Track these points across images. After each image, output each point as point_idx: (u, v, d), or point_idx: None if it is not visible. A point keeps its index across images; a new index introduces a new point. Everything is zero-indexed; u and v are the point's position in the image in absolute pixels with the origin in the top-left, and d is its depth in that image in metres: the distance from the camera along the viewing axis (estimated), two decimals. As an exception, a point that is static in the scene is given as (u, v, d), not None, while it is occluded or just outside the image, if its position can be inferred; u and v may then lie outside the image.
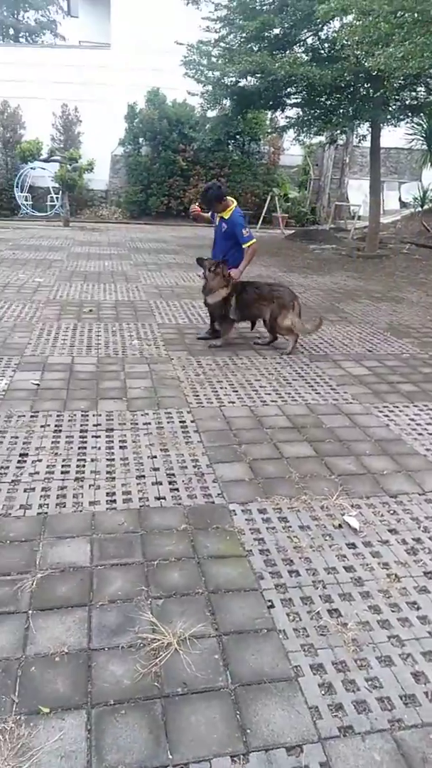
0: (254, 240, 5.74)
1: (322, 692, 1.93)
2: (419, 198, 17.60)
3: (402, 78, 11.29)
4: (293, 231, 16.96)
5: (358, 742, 1.77)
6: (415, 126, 15.72)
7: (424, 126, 15.72)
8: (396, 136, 16.46)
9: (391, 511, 3.03)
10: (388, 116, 12.63)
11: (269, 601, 2.34)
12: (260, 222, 17.84)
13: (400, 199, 21.19)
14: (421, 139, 16.38)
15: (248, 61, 10.10)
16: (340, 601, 2.36)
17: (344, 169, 20.15)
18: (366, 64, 7.91)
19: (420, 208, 17.72)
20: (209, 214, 5.98)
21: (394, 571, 2.56)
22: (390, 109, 12.58)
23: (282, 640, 2.14)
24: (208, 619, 2.20)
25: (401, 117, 13.23)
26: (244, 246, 5.72)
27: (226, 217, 5.69)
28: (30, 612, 2.19)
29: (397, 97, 12.68)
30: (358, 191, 19.53)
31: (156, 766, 1.66)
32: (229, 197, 5.76)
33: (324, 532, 2.82)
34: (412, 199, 18.64)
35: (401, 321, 7.26)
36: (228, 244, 5.82)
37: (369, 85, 11.17)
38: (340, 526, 2.89)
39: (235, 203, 5.78)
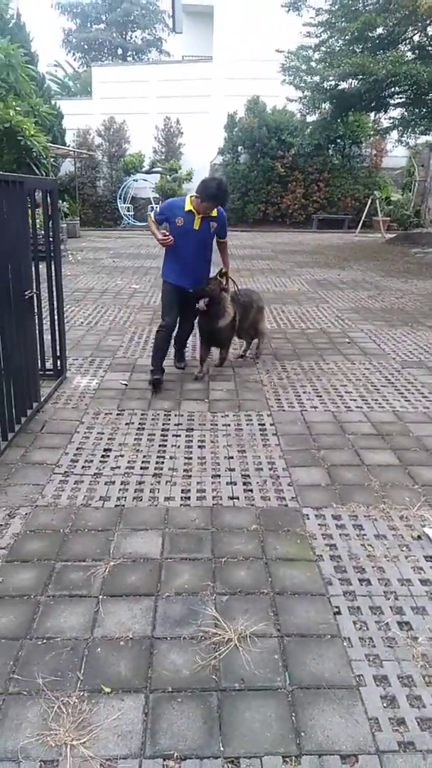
0: None
1: (384, 704, 1.86)
2: None
3: None
4: (395, 235, 16.41)
5: (419, 759, 1.69)
6: None
7: None
8: None
9: None
10: None
11: (336, 607, 2.29)
12: (359, 226, 17.43)
13: None
14: None
15: (349, 63, 9.95)
16: (412, 614, 2.26)
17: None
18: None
19: None
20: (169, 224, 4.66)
21: (475, 588, 2.41)
22: None
23: (346, 648, 2.08)
24: (271, 619, 2.20)
25: None
26: (222, 240, 4.90)
27: (214, 214, 4.59)
28: (100, 597, 2.29)
29: None
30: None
31: (207, 755, 1.68)
32: None
33: (401, 543, 2.71)
34: None
35: None
36: (208, 253, 4.77)
37: None
38: (419, 537, 2.76)
39: None
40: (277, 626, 2.17)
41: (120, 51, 29.61)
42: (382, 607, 2.29)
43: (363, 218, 17.45)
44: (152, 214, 4.85)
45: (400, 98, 12.60)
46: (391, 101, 12.85)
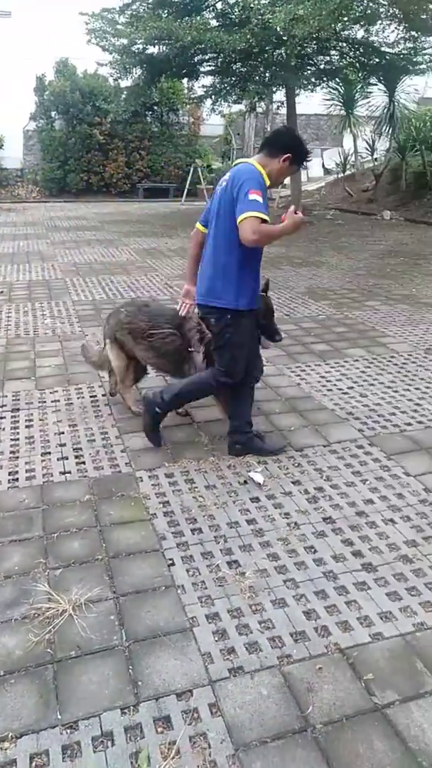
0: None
1: (216, 639, 1.98)
2: (340, 164, 17.82)
3: (314, 41, 11.32)
4: (218, 202, 16.84)
5: (247, 680, 1.83)
6: (332, 91, 15.81)
7: (341, 91, 15.83)
8: (315, 102, 16.53)
9: (296, 464, 3.11)
10: (304, 81, 12.63)
11: (170, 559, 2.36)
12: (185, 194, 17.63)
13: (323, 166, 21.41)
14: (339, 104, 16.50)
15: (154, 27, 9.83)
16: (240, 553, 2.41)
17: (266, 138, 20.12)
18: (268, 20, 7.81)
19: (342, 174, 17.96)
20: None
21: (294, 519, 2.64)
22: (304, 74, 12.59)
23: (180, 595, 2.17)
24: (107, 583, 2.21)
25: (316, 82, 13.27)
26: None
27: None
28: None
29: (311, 61, 12.70)
30: (281, 159, 19.59)
31: (44, 727, 1.67)
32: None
33: (229, 490, 2.87)
34: (335, 165, 18.86)
35: (320, 285, 7.39)
36: None
37: (282, 50, 11.11)
38: (245, 482, 2.94)
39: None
40: (113, 588, 2.19)
41: None
42: (213, 551, 2.41)
43: (187, 186, 17.66)
44: (262, 215, 2.65)
45: (210, 66, 12.80)
46: (201, 69, 13.01)
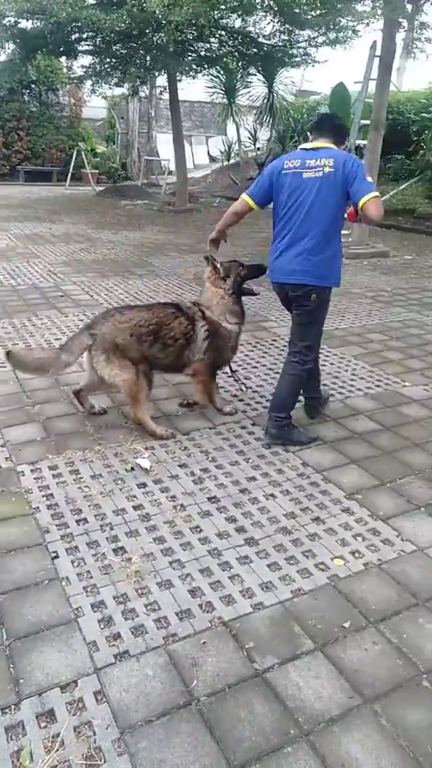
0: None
1: (102, 626, 1.97)
2: (225, 152, 18.06)
3: (193, 28, 11.32)
4: (104, 187, 16.47)
5: (133, 663, 1.84)
6: (213, 79, 15.93)
7: (222, 79, 15.99)
8: (198, 89, 16.58)
9: (183, 448, 3.15)
10: (185, 67, 12.61)
11: (54, 552, 2.31)
12: (69, 179, 17.02)
13: (208, 153, 21.58)
14: (221, 92, 16.67)
15: (26, 0, 9.32)
16: (126, 539, 2.41)
17: (151, 123, 19.89)
18: (144, 2, 7.70)
19: (227, 162, 18.21)
20: None
21: (180, 501, 2.67)
22: (185, 60, 12.56)
23: (64, 587, 2.13)
24: (-16, 583, 2.12)
25: (197, 69, 13.28)
26: None
27: None
28: None
29: (191, 48, 12.69)
30: (167, 145, 19.43)
31: None
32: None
33: (116, 477, 2.84)
34: (219, 153, 19.08)
35: (206, 270, 7.47)
36: None
37: (162, 34, 11.00)
38: (132, 469, 2.93)
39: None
40: (-8, 587, 2.10)
41: None
42: (99, 540, 2.39)
43: (71, 170, 17.06)
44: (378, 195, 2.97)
45: (88, 45, 12.39)
46: (80, 48, 12.55)
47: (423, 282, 7.28)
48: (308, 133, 3.18)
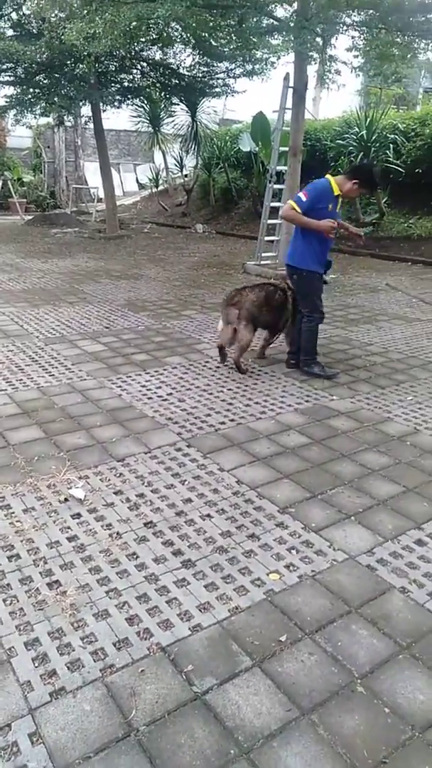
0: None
1: (36, 664, 1.91)
2: (153, 179, 18.29)
3: (114, 60, 11.50)
4: (33, 216, 16.28)
5: (69, 699, 1.79)
6: (138, 108, 16.18)
7: (146, 109, 16.26)
8: (123, 118, 16.76)
9: (118, 474, 3.13)
10: (108, 98, 12.75)
11: (-16, 593, 2.23)
12: (-5, 209, 16.73)
13: (137, 181, 21.78)
14: (146, 121, 16.94)
15: None
16: (60, 572, 2.35)
17: (78, 152, 19.91)
18: (62, 35, 7.78)
19: (155, 189, 18.44)
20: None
21: (116, 529, 2.65)
22: (108, 90, 12.71)
23: (-5, 628, 2.06)
24: None
25: (120, 99, 13.46)
26: None
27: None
28: None
29: (113, 79, 12.85)
30: (95, 174, 19.49)
31: None
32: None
33: (49, 510, 2.78)
34: (148, 180, 19.30)
35: (139, 296, 7.50)
36: None
37: (83, 65, 11.10)
38: (66, 500, 2.88)
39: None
40: None
41: None
42: (32, 575, 2.32)
43: (-2, 200, 16.80)
44: (294, 204, 4.41)
45: (9, 76, 12.33)
46: (0, 78, 12.47)
47: (347, 299, 7.58)
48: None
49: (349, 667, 1.92)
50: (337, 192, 4.38)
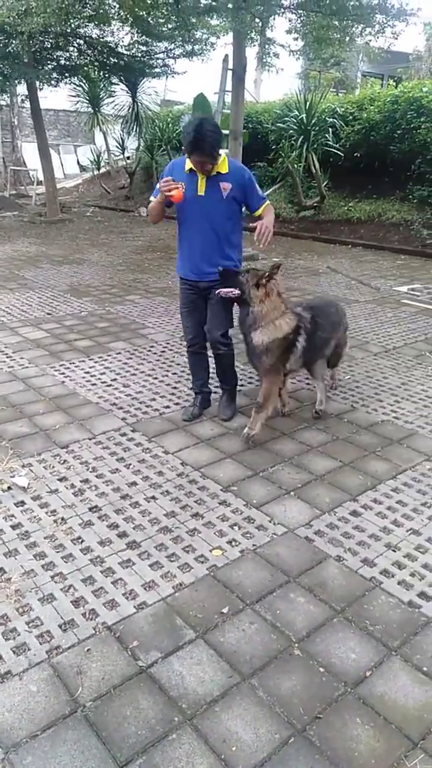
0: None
1: (-20, 653, 1.93)
2: (94, 161, 17.88)
3: (50, 37, 11.11)
4: (-32, 200, 15.66)
5: (15, 682, 1.82)
6: (77, 87, 15.73)
7: (85, 88, 15.84)
8: (62, 97, 16.27)
9: (62, 461, 3.12)
10: (45, 76, 12.34)
11: None
12: None
13: (78, 163, 21.25)
14: (86, 101, 16.50)
15: None
16: (4, 560, 2.36)
17: (15, 132, 19.22)
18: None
19: (97, 171, 18.05)
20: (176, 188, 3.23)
21: (60, 515, 2.66)
22: (44, 68, 12.30)
23: None
24: None
25: (57, 77, 13.05)
26: (261, 207, 3.41)
27: (225, 171, 3.29)
28: None
29: (49, 56, 12.44)
30: (34, 155, 18.85)
31: None
32: None
33: (-9, 499, 2.77)
34: (89, 162, 18.85)
35: (82, 281, 7.39)
36: (229, 224, 3.41)
37: (16, 41, 10.68)
38: (9, 488, 2.86)
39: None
40: None
41: None
42: (-25, 566, 2.32)
43: None
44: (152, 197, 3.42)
45: None
46: None
47: (289, 282, 7.71)
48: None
49: (287, 633, 2.02)
50: (188, 166, 3.28)
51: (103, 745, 1.63)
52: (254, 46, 9.11)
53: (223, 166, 3.27)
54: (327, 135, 11.00)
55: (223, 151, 3.46)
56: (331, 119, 11.19)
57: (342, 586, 2.24)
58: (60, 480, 2.95)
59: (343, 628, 2.05)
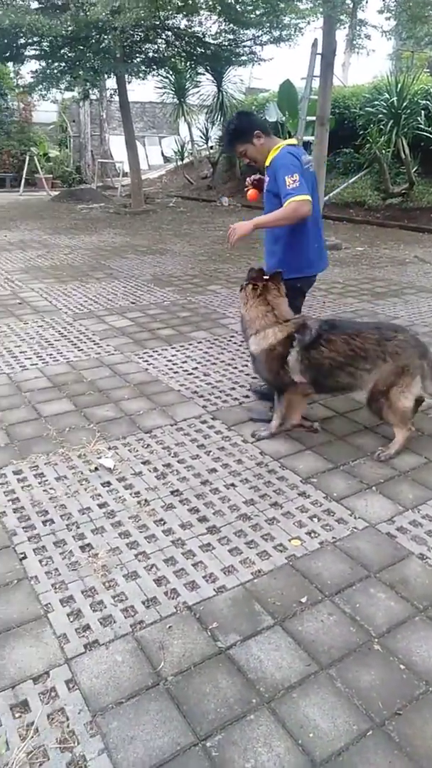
0: (303, 197, 3.07)
1: (71, 619, 2.05)
2: (178, 152, 18.12)
3: (140, 30, 11.34)
4: (59, 192, 16.36)
5: (102, 651, 1.93)
6: (163, 79, 15.98)
7: (171, 80, 16.06)
8: (148, 89, 16.59)
9: (146, 445, 3.24)
10: (134, 69, 12.62)
11: (22, 553, 2.37)
12: (23, 184, 16.85)
13: (162, 154, 21.61)
14: (171, 92, 16.73)
15: (-33, 7, 9.21)
16: (92, 536, 2.48)
17: (103, 125, 19.82)
18: (87, 10, 7.73)
19: (181, 162, 18.28)
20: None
21: (144, 497, 2.76)
22: (133, 61, 12.58)
23: (33, 585, 2.20)
24: None
25: (146, 70, 13.30)
26: (285, 203, 3.13)
27: (267, 164, 3.32)
28: None
29: (138, 50, 12.71)
30: (120, 147, 19.37)
31: None
32: (271, 134, 3.42)
33: (80, 478, 2.91)
34: (173, 153, 19.13)
35: (164, 271, 7.55)
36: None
37: (109, 36, 10.99)
38: (96, 469, 3.00)
39: (287, 142, 3.44)
40: (-39, 591, 2.16)
41: None
42: (65, 539, 2.46)
43: (25, 176, 16.89)
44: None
45: (35, 50, 12.28)
46: (26, 53, 12.44)
47: (374, 272, 7.50)
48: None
49: (366, 627, 2.01)
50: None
51: (184, 719, 1.70)
52: (344, 28, 8.87)
53: (269, 158, 3.23)
54: (419, 118, 10.54)
55: (287, 141, 3.45)
56: (424, 101, 10.72)
57: (425, 585, 2.19)
58: (143, 463, 3.05)
59: (425, 627, 2.00)
